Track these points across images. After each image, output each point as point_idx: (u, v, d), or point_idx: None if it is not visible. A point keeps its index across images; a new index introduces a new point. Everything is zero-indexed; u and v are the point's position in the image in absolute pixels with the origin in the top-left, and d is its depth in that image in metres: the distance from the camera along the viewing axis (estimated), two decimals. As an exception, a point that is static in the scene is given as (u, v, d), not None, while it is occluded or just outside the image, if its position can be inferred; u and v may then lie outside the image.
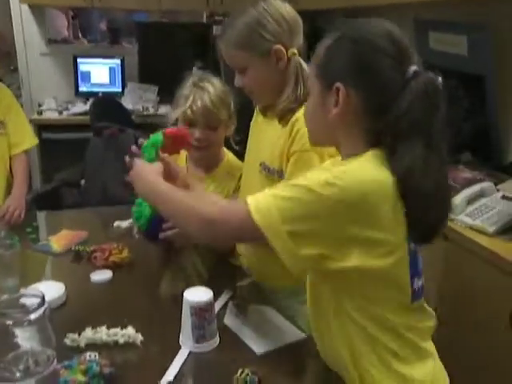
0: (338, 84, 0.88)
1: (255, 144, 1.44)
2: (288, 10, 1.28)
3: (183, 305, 1.07)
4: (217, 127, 1.57)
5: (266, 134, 1.37)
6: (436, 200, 0.84)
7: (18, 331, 1.00)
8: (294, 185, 0.86)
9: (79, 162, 3.23)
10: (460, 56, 2.14)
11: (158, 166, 1.20)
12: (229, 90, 1.60)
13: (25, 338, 1.00)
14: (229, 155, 1.70)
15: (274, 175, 1.32)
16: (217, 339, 1.10)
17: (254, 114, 1.48)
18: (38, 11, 3.86)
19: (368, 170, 0.84)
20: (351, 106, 0.88)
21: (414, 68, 0.86)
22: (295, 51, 1.27)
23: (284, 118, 1.28)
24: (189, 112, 1.54)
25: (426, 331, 0.95)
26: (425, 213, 0.83)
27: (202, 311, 1.05)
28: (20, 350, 0.98)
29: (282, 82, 1.27)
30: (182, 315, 1.08)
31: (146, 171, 1.17)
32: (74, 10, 4.20)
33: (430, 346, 0.96)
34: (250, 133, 1.49)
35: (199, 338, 1.06)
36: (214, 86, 1.57)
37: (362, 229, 0.81)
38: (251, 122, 1.49)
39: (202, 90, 1.55)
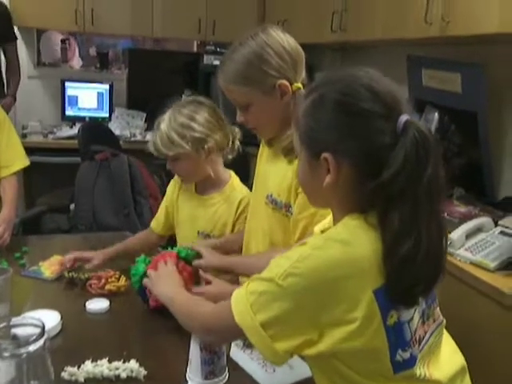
0: (325, 154, 0.83)
1: (262, 176, 1.41)
2: (290, 42, 1.24)
3: (191, 339, 1.02)
4: (177, 158, 1.54)
5: (272, 166, 1.34)
6: (419, 263, 0.79)
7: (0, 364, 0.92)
8: (261, 278, 0.85)
9: (64, 186, 3.15)
10: (454, 93, 2.18)
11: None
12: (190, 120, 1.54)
13: (7, 372, 0.93)
14: (234, 180, 1.66)
15: (281, 209, 1.29)
16: (226, 375, 1.05)
17: (260, 145, 1.46)
18: (27, 34, 3.82)
19: (335, 248, 0.80)
20: (343, 174, 0.84)
21: (403, 119, 0.80)
22: (300, 85, 1.23)
23: (289, 154, 1.25)
24: (152, 150, 1.57)
25: None
26: (400, 277, 0.79)
27: (212, 346, 1.00)
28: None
29: (286, 116, 1.23)
30: (190, 349, 1.03)
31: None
32: (66, 34, 4.19)
33: None
34: (256, 164, 1.47)
35: (208, 374, 1.01)
36: (167, 122, 1.52)
37: (330, 312, 0.79)
38: (258, 153, 1.47)
39: (157, 130, 1.55)
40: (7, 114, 3.15)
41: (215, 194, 1.63)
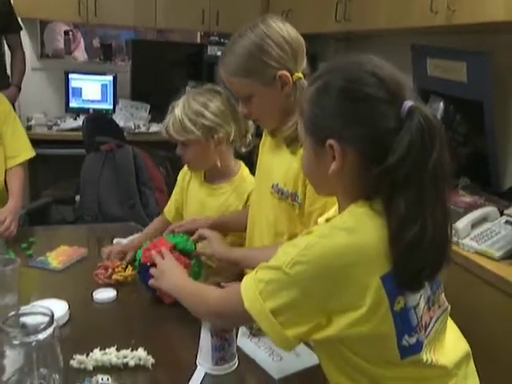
0: (330, 141, 0.83)
1: (265, 166, 1.41)
2: (289, 31, 1.23)
3: (202, 325, 1.03)
4: (187, 144, 1.55)
5: (276, 157, 1.34)
6: (425, 248, 0.79)
7: (8, 352, 0.93)
8: (268, 267, 0.86)
9: (69, 178, 3.16)
10: (459, 82, 2.16)
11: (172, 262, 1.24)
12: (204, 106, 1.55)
13: (15, 360, 0.93)
14: (243, 171, 1.67)
15: (287, 198, 1.29)
16: (236, 361, 1.06)
17: (263, 135, 1.46)
18: (30, 25, 3.81)
19: (341, 236, 0.80)
20: (348, 161, 0.84)
21: (407, 104, 0.80)
22: (300, 75, 1.23)
23: (292, 144, 1.26)
24: (164, 133, 1.58)
25: (426, 381, 0.89)
26: (407, 262, 0.79)
27: (223, 332, 1.01)
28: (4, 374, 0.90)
29: (288, 106, 1.24)
30: (201, 335, 1.04)
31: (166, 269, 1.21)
32: (70, 25, 4.18)
33: None
34: (259, 153, 1.47)
35: (219, 360, 1.02)
36: (181, 107, 1.53)
37: (338, 299, 0.80)
38: (260, 143, 1.47)
39: (171, 113, 1.55)
40: (12, 104, 3.11)
41: (224, 183, 1.65)
